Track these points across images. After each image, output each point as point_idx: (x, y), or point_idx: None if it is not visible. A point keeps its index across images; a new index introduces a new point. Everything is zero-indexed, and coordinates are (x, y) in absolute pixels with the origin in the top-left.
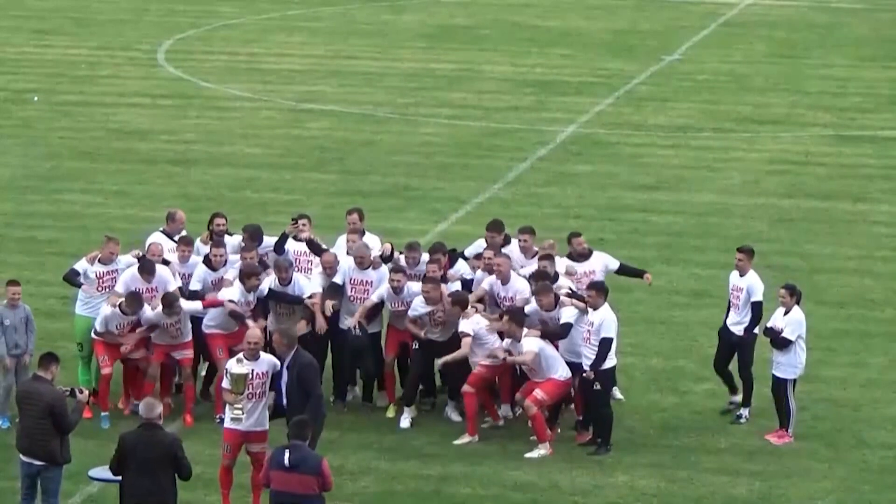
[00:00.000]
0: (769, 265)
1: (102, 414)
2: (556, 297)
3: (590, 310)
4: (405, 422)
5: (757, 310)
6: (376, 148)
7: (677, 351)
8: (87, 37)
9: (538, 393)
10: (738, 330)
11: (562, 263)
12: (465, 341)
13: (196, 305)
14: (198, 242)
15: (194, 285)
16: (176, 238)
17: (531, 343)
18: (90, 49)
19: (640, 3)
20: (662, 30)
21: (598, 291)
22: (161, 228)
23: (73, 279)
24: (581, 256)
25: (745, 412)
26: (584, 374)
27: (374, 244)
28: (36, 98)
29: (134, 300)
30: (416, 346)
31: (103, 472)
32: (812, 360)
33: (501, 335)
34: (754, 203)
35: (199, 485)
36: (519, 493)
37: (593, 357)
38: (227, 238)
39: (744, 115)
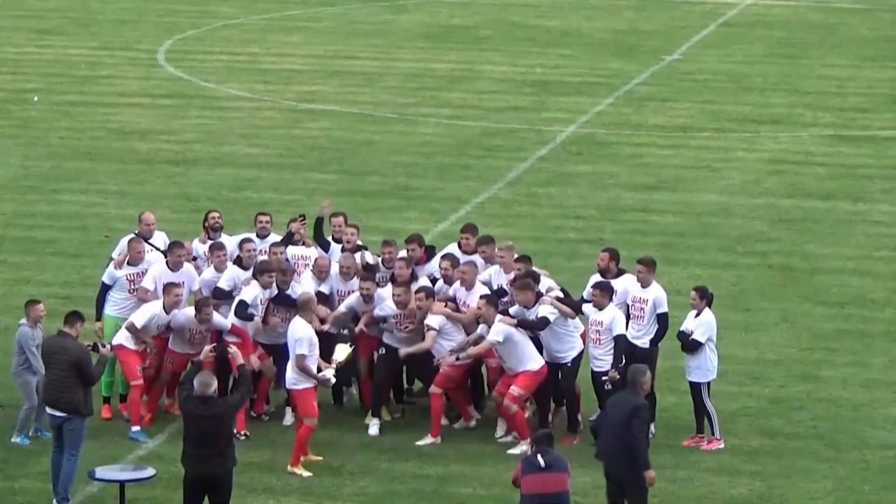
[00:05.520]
0: (769, 265)
1: (134, 429)
2: (537, 295)
3: (595, 310)
4: (373, 429)
5: (663, 321)
6: (376, 148)
7: (677, 351)
8: (87, 37)
9: (514, 390)
10: (640, 343)
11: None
12: (430, 335)
13: (226, 323)
14: (196, 243)
15: (224, 285)
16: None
17: (497, 329)
18: (90, 49)
19: (640, 3)
20: (662, 30)
21: (604, 291)
22: (136, 231)
23: (104, 293)
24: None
25: (651, 427)
26: (608, 377)
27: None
28: (36, 98)
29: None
30: (382, 353)
31: (106, 471)
32: (812, 360)
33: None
34: (754, 203)
35: None
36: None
37: (606, 357)
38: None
39: (744, 115)
